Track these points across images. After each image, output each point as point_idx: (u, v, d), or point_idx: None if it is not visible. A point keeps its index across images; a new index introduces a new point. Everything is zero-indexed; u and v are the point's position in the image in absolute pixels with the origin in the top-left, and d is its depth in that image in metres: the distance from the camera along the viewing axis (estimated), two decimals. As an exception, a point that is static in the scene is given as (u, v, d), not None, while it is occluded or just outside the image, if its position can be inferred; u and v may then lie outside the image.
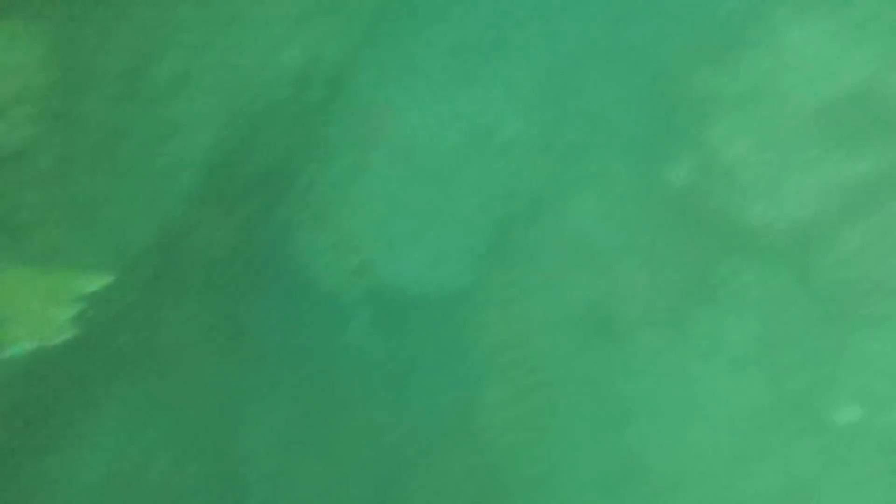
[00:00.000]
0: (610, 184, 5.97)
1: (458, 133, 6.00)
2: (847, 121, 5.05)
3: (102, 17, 4.23)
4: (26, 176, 4.06)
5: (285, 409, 6.45)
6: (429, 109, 6.02)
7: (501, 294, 6.13)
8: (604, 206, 5.95)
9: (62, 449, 5.32)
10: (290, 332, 7.04)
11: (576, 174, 6.03)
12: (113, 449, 5.79)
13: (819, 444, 5.23)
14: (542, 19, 6.18)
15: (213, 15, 4.64)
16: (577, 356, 5.90)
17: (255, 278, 6.45)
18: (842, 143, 5.07)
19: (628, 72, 5.90)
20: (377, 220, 5.99)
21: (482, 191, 6.04)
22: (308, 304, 6.76)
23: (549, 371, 5.95)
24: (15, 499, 5.01)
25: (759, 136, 5.27)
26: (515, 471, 6.05)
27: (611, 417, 5.74)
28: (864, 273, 5.11)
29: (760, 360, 5.41)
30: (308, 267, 6.21)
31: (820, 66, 5.09)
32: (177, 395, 5.90)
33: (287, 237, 6.23)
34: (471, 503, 6.25)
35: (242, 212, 5.92)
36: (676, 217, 5.63)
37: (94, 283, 3.29)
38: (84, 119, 4.25)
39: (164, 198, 4.81)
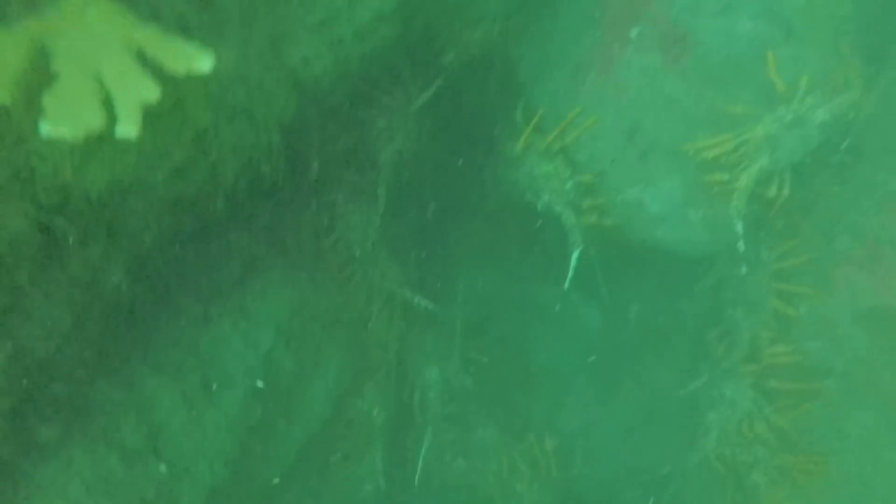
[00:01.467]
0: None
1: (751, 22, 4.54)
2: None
3: None
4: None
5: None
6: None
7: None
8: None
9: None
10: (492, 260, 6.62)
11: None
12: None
13: None
14: None
15: None
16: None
17: (454, 190, 5.79)
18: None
19: None
20: (618, 136, 4.85)
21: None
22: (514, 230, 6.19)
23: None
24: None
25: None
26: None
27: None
28: None
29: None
30: (519, 183, 5.20)
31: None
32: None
33: (497, 145, 5.34)
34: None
35: (439, 109, 4.95)
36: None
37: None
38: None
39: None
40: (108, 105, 2.01)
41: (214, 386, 3.79)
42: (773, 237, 5.34)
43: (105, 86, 1.98)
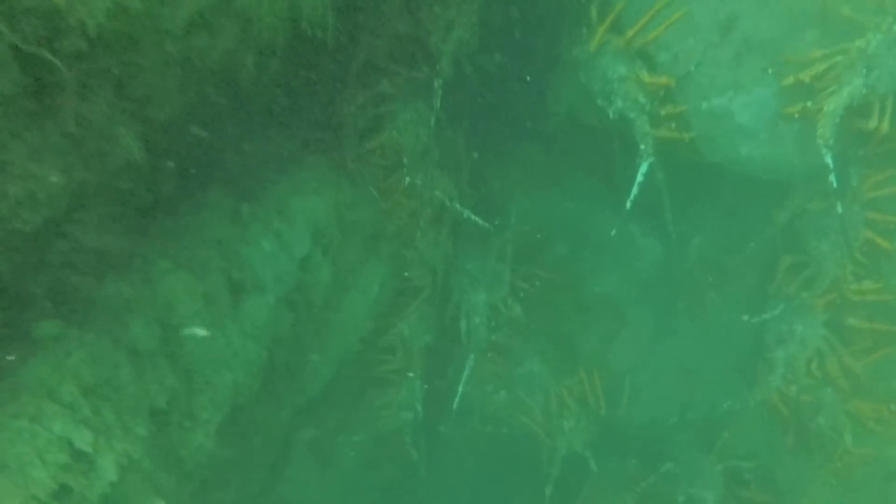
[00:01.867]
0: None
1: None
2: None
3: None
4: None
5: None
6: None
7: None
8: None
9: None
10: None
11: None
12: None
13: None
14: None
15: None
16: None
17: (517, 96, 5.22)
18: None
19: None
20: (709, 32, 4.16)
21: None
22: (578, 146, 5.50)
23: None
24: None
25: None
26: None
27: None
28: None
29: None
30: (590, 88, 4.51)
31: None
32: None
33: (568, 44, 4.65)
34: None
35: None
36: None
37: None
38: None
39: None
40: None
41: (240, 287, 3.24)
42: (868, 164, 4.63)
43: None
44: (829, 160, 3.84)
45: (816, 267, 4.91)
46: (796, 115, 4.00)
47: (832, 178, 3.89)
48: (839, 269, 4.77)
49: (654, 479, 5.81)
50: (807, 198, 4.97)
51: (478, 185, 5.26)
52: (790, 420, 5.15)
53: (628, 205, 4.30)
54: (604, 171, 5.54)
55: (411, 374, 5.25)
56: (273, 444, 4.09)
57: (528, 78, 5.23)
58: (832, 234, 4.84)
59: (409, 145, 4.28)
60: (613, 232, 5.98)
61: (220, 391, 3.05)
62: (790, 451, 5.32)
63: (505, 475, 6.52)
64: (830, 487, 5.09)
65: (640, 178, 4.29)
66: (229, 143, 3.60)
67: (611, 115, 4.41)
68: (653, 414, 6.14)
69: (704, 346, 6.18)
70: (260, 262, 3.37)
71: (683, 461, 5.86)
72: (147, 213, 2.98)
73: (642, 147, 4.27)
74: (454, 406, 5.23)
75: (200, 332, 2.91)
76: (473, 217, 4.64)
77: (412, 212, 4.55)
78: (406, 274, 4.92)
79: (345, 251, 4.08)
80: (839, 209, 4.36)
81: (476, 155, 5.20)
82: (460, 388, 5.17)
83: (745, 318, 5.10)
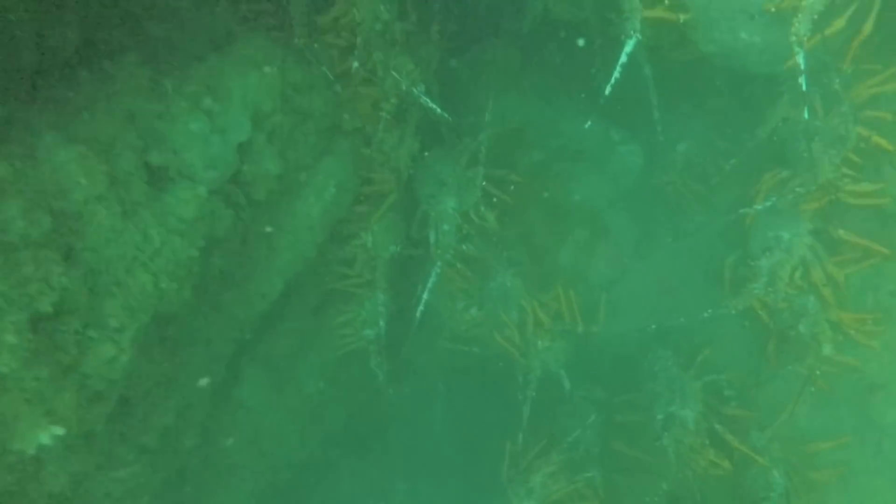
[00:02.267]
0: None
1: None
2: None
3: None
4: None
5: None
6: None
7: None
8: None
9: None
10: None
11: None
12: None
13: None
14: None
15: None
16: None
17: None
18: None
19: None
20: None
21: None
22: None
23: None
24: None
25: None
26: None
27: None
28: None
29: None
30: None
31: None
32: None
33: None
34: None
35: None
36: None
37: None
38: None
39: None
40: None
41: (162, 174, 2.58)
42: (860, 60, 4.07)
43: None
44: (800, 60, 3.34)
45: (808, 168, 4.41)
46: (773, 10, 3.45)
47: (802, 80, 3.41)
48: (830, 172, 4.27)
49: (632, 398, 5.36)
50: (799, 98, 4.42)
51: (450, 71, 4.60)
52: (772, 329, 4.73)
53: (608, 90, 3.70)
54: (582, 74, 4.93)
55: (376, 289, 4.66)
56: (216, 362, 3.50)
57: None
58: (824, 131, 4.33)
59: (367, 21, 3.60)
60: (588, 124, 5.36)
61: (136, 295, 2.42)
62: (771, 362, 4.91)
63: (478, 396, 6.05)
64: (811, 399, 4.70)
65: (623, 58, 3.69)
66: (148, 10, 2.89)
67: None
68: (631, 329, 5.65)
69: (686, 258, 5.68)
70: (186, 144, 2.70)
71: (662, 378, 5.40)
72: (33, 76, 2.29)
73: (628, 24, 3.64)
74: (417, 315, 4.62)
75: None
76: (442, 114, 4.01)
77: (374, 102, 3.89)
78: (368, 176, 4.29)
79: (295, 142, 3.41)
80: (805, 115, 3.86)
81: (452, 34, 4.52)
82: (425, 296, 4.56)
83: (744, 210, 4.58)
